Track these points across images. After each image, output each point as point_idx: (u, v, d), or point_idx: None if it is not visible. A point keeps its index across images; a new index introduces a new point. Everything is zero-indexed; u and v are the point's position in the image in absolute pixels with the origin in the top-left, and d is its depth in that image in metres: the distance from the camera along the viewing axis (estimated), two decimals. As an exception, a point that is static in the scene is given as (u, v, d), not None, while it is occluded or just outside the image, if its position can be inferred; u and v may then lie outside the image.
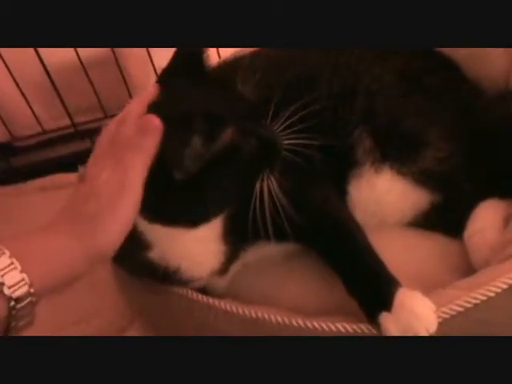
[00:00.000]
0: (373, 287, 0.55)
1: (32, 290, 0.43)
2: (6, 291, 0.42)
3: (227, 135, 0.53)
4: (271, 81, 0.68)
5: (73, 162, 1.23)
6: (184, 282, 0.63)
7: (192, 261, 0.62)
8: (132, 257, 0.60)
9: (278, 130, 0.59)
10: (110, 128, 0.55)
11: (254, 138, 0.55)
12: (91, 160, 0.55)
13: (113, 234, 0.49)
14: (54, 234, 0.48)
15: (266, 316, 0.58)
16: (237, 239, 0.62)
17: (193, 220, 0.57)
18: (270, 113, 0.59)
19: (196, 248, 0.60)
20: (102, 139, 0.55)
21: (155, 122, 0.50)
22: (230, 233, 0.61)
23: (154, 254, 0.59)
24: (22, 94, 1.18)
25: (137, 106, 0.55)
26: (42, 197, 1.13)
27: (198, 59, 0.59)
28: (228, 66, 0.74)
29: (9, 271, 0.42)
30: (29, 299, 0.43)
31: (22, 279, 0.43)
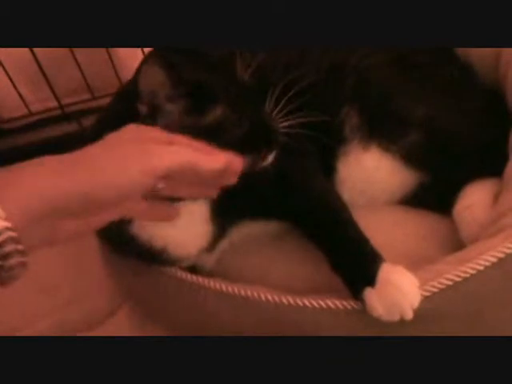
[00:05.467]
0: (356, 263, 0.55)
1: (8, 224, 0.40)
2: None
3: (217, 111, 0.53)
4: (266, 62, 0.68)
5: (60, 144, 1.21)
6: (172, 262, 0.63)
7: (178, 240, 0.61)
8: (116, 231, 0.59)
9: (275, 113, 0.58)
10: None
11: (247, 121, 0.55)
12: None
13: (114, 181, 0.45)
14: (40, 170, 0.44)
15: (255, 294, 0.58)
16: (224, 217, 0.62)
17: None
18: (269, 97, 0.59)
19: (182, 228, 0.60)
20: None
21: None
22: (217, 211, 0.60)
23: (136, 229, 0.59)
24: (8, 75, 1.16)
25: None
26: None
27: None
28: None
29: None
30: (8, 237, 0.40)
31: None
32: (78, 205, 0.44)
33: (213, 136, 0.52)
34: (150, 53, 0.56)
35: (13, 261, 0.41)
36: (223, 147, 0.52)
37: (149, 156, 0.46)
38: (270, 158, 0.57)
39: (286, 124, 0.59)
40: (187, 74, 0.52)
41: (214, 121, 0.53)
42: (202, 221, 0.60)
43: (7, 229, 0.40)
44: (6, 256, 0.40)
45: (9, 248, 0.40)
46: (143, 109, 0.52)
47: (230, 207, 0.59)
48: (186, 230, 0.60)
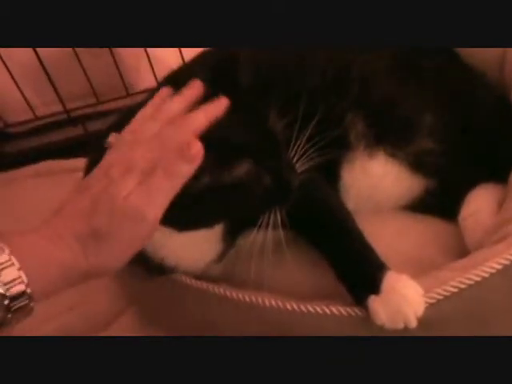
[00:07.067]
0: (361, 271, 0.55)
1: (28, 290, 0.41)
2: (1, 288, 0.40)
3: (242, 169, 0.52)
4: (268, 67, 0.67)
5: (65, 149, 1.23)
6: (179, 273, 0.63)
7: (191, 259, 0.62)
8: None
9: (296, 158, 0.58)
10: (142, 123, 0.52)
11: (269, 176, 0.54)
12: (112, 155, 0.50)
13: (118, 258, 0.48)
14: (57, 243, 0.45)
15: (259, 300, 0.58)
16: (234, 233, 0.62)
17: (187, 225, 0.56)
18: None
19: (196, 249, 0.61)
20: (130, 135, 0.52)
21: (200, 151, 0.47)
22: (230, 230, 0.61)
23: (150, 251, 0.59)
24: (14, 79, 1.17)
25: (179, 105, 0.53)
26: (35, 183, 1.12)
27: (229, 68, 0.56)
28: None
29: (5, 267, 0.41)
30: (24, 299, 0.42)
31: (19, 277, 0.41)
32: None
33: (232, 194, 0.52)
34: None
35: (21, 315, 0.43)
36: (237, 205, 0.53)
37: None
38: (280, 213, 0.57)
39: (305, 167, 0.59)
40: (212, 130, 0.51)
41: (237, 177, 0.52)
42: (216, 241, 0.61)
43: (26, 294, 0.42)
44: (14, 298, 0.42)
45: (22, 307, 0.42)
46: None
47: (241, 225, 0.60)
48: (199, 251, 0.61)
